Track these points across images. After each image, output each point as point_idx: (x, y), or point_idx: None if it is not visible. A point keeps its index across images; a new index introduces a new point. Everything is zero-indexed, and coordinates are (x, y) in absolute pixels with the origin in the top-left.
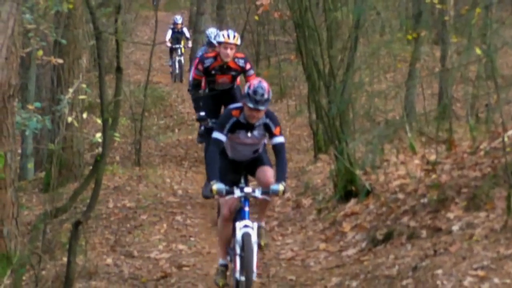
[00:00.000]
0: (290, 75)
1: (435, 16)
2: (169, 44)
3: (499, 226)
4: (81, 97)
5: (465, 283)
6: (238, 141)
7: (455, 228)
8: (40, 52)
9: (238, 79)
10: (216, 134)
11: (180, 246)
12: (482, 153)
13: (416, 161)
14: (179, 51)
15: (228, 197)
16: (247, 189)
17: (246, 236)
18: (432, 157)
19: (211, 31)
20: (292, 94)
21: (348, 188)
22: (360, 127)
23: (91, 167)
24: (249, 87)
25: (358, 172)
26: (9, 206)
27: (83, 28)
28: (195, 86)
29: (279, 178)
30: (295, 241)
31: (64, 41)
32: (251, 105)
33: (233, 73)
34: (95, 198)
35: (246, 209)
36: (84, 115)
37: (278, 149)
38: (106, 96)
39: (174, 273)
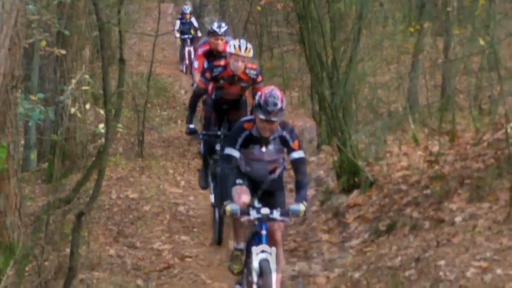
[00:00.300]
0: (293, 67)
1: (438, 8)
2: (177, 35)
3: (502, 218)
4: (84, 88)
5: (468, 274)
6: (253, 157)
7: (458, 219)
8: (43, 43)
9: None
10: (229, 150)
11: (183, 237)
12: (485, 144)
13: (419, 153)
14: (188, 41)
15: (243, 219)
16: (264, 210)
17: (264, 263)
18: (435, 149)
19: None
20: (295, 86)
21: (351, 180)
22: (363, 118)
23: (94, 158)
24: (260, 96)
25: (361, 163)
26: (12, 197)
27: (86, 19)
28: (198, 93)
29: (299, 197)
30: (298, 232)
31: (67, 32)
32: (262, 116)
33: (243, 84)
34: (98, 189)
35: (263, 232)
36: (87, 106)
37: (298, 165)
38: (109, 87)
39: (177, 264)
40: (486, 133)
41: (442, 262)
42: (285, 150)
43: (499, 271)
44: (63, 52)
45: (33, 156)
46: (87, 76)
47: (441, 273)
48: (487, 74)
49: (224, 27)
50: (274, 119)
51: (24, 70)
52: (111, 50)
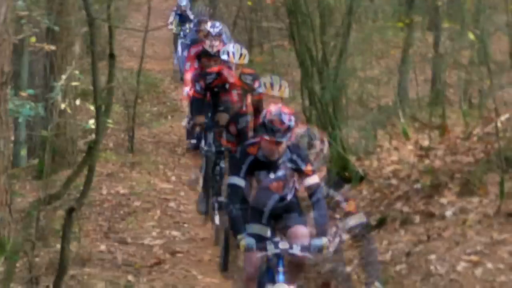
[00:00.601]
0: (283, 62)
1: (428, 2)
2: (171, 27)
3: (492, 211)
4: (74, 83)
5: (459, 268)
6: (260, 184)
7: (448, 213)
8: (33, 39)
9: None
10: (233, 179)
11: (174, 233)
12: (475, 138)
13: (409, 147)
14: (182, 34)
15: (260, 255)
16: (283, 245)
17: None
18: (425, 143)
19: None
20: (285, 81)
21: (341, 174)
22: (353, 113)
23: (84, 154)
24: (265, 115)
25: (351, 158)
26: (2, 193)
27: (76, 14)
28: (196, 104)
29: (321, 231)
30: None
31: (57, 28)
32: (266, 137)
33: (240, 91)
34: (88, 185)
35: (280, 270)
36: (77, 102)
37: (313, 192)
38: (99, 83)
39: (168, 260)
40: (476, 127)
41: (432, 256)
42: (296, 175)
43: (489, 265)
44: (53, 48)
45: (23, 152)
46: (77, 72)
47: (431, 267)
48: (477, 68)
49: (218, 27)
50: (280, 139)
51: (14, 66)
52: (100, 45)
